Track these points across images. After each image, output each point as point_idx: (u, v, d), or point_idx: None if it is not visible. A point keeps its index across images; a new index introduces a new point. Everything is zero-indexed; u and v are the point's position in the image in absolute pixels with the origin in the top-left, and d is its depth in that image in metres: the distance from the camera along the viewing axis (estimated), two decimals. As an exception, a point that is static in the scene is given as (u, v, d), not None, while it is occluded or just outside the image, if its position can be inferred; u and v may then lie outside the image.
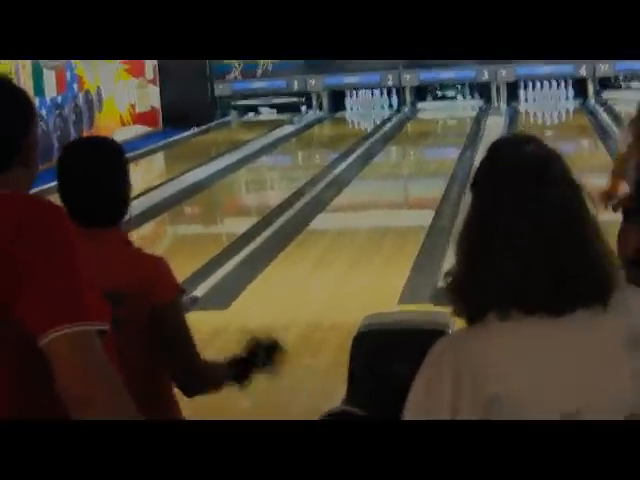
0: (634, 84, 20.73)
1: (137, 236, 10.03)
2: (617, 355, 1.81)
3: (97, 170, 2.73)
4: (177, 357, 2.78)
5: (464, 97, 21.32)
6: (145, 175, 15.78)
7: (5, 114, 1.89)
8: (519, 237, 1.81)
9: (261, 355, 2.99)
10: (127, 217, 2.81)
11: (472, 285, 1.84)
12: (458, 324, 2.01)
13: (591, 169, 12.71)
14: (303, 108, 21.20)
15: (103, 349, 1.73)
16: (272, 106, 21.33)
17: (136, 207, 11.28)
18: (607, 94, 20.31)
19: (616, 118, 17.56)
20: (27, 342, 1.74)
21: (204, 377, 2.86)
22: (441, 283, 5.94)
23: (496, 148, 1.91)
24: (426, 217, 10.14)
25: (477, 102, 20.92)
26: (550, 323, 1.81)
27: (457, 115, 20.19)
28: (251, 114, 21.37)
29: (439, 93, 21.33)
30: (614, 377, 1.81)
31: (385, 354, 3.27)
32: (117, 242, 2.77)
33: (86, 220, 2.68)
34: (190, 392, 2.85)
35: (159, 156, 17.30)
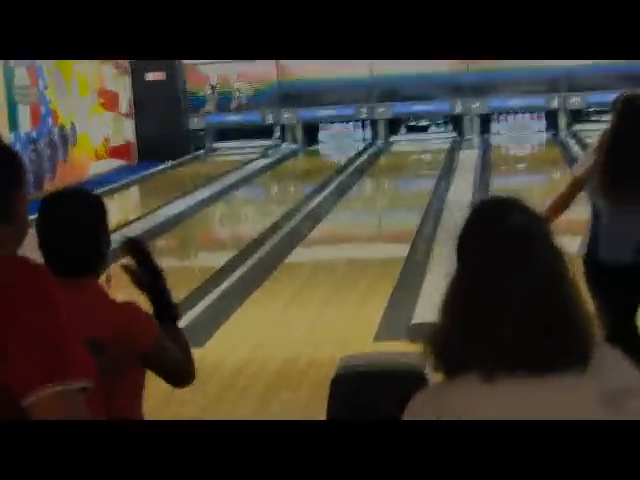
0: (605, 117, 20.92)
1: (112, 272, 10.04)
2: (595, 413, 1.85)
3: (77, 222, 2.78)
4: (176, 379, 2.97)
5: (437, 126, 21.45)
6: (120, 209, 15.78)
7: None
8: (504, 301, 1.87)
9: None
10: (105, 269, 2.85)
11: (455, 343, 1.89)
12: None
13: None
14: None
15: (85, 404, 1.77)
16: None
17: (113, 242, 11.33)
18: (578, 126, 20.49)
19: (586, 149, 17.74)
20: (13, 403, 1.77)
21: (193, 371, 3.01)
22: (416, 320, 5.98)
23: (482, 213, 1.98)
24: (401, 250, 10.19)
25: (450, 134, 21.07)
26: (531, 383, 1.86)
27: (430, 148, 20.32)
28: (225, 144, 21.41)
29: (413, 123, 21.44)
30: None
31: (363, 396, 3.30)
32: (94, 292, 2.81)
33: (65, 270, 2.72)
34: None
35: (134, 190, 17.32)
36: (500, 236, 1.92)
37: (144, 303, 2.95)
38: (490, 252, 1.91)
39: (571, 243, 5.86)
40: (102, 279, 2.92)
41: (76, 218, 2.79)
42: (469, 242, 1.95)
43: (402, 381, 3.16)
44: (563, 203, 5.38)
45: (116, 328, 2.75)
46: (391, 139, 21.15)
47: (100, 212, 2.84)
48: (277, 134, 21.50)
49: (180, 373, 2.96)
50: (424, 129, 21.49)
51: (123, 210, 15.92)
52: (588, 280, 5.06)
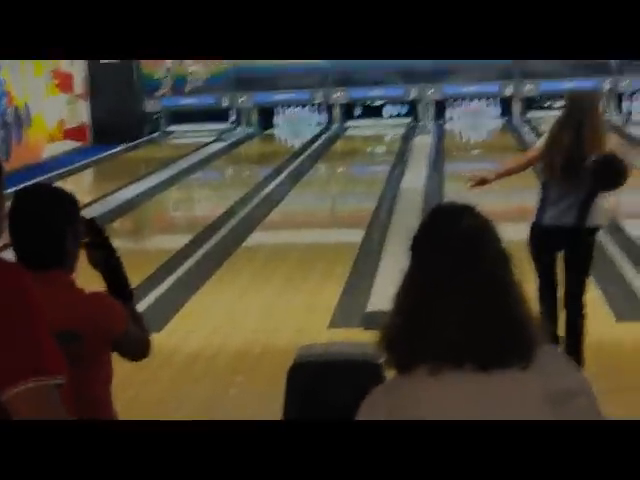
0: (558, 104, 21.13)
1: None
2: (538, 410, 1.97)
3: (43, 217, 2.86)
4: (138, 356, 3.11)
5: (393, 106, 21.50)
6: (74, 192, 15.70)
7: None
8: (453, 300, 1.99)
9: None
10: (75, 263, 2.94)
11: (406, 339, 2.01)
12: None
13: (513, 187, 13.02)
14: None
15: (60, 401, 1.84)
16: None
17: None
18: (532, 113, 20.68)
19: (540, 136, 17.92)
20: None
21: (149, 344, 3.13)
22: (370, 308, 6.06)
23: (436, 217, 2.10)
24: (356, 236, 10.28)
25: (405, 119, 21.17)
26: (477, 378, 1.98)
27: (385, 133, 20.42)
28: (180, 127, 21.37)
29: (367, 103, 21.45)
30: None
31: (320, 386, 3.37)
32: (64, 285, 2.89)
33: (34, 263, 2.79)
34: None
35: (88, 173, 17.25)
36: (450, 239, 2.04)
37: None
38: (440, 253, 2.03)
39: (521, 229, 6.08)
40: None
41: (42, 213, 2.86)
42: (422, 243, 2.06)
43: (359, 372, 3.24)
44: (510, 171, 6.50)
45: (89, 318, 2.84)
46: (346, 124, 21.22)
47: (67, 208, 2.91)
48: (232, 117, 21.49)
49: (142, 349, 3.09)
50: (378, 110, 21.49)
51: (77, 193, 15.82)
52: (532, 242, 5.97)
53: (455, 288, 2.00)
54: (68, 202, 2.93)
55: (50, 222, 2.86)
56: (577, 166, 5.78)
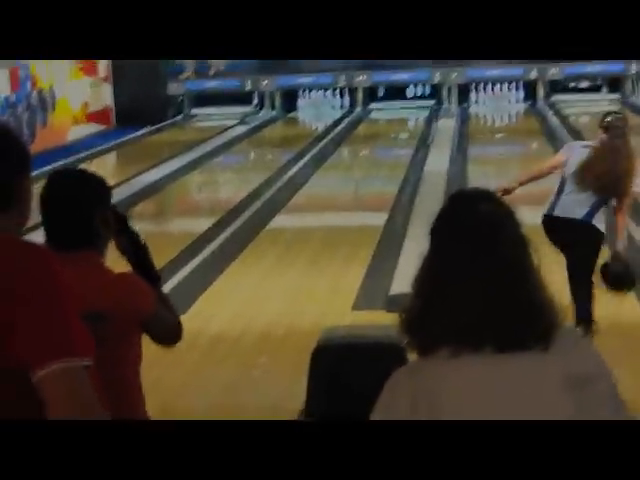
0: (582, 84, 21.05)
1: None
2: (557, 393, 1.99)
3: (74, 199, 2.92)
4: (168, 340, 3.13)
5: (416, 94, 21.46)
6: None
7: (4, 160, 2.00)
8: (472, 284, 2.01)
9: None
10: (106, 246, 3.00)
11: (427, 322, 2.03)
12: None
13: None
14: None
15: (88, 382, 1.87)
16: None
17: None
18: (556, 97, 20.59)
19: (564, 120, 17.84)
20: (21, 375, 1.86)
21: (180, 329, 3.14)
22: (393, 291, 6.10)
23: (455, 202, 2.12)
24: (380, 219, 10.29)
25: (428, 101, 21.12)
26: (497, 360, 2.00)
27: (408, 116, 20.38)
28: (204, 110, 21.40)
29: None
30: (555, 413, 1.98)
31: (343, 368, 3.39)
32: (93, 265, 2.94)
33: (64, 244, 2.85)
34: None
35: (112, 156, 17.31)
36: (469, 223, 2.05)
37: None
38: (459, 238, 2.05)
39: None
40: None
41: (72, 195, 2.93)
42: (441, 228, 2.08)
43: (382, 354, 3.25)
44: (533, 178, 6.69)
45: (117, 298, 2.88)
46: (370, 106, 21.19)
47: (97, 190, 2.97)
48: (255, 101, 21.50)
49: (173, 333, 3.11)
50: (402, 91, 21.41)
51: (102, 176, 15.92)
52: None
53: (473, 272, 2.01)
54: (98, 185, 2.99)
55: (79, 203, 2.92)
56: (610, 189, 6.15)
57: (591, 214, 6.14)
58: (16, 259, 1.91)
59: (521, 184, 6.55)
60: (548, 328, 2.02)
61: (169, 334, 3.12)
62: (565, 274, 6.11)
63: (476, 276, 2.01)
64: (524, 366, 2.00)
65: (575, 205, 6.17)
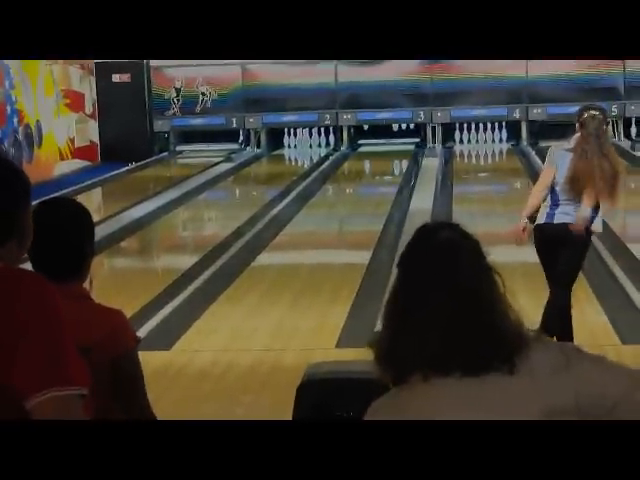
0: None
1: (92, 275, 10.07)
2: (528, 415, 2.01)
3: (63, 229, 2.92)
4: (130, 406, 2.93)
5: (399, 128, 21.55)
6: (84, 211, 15.76)
7: (6, 191, 2.04)
8: (436, 311, 2.05)
9: None
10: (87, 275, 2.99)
11: (395, 353, 2.07)
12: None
13: (519, 210, 13.05)
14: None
15: (83, 411, 1.89)
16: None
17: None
18: (542, 142, 20.72)
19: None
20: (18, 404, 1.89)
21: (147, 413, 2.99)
22: (378, 328, 6.08)
23: (418, 233, 2.17)
24: (364, 257, 10.32)
25: (414, 139, 21.23)
26: (466, 383, 2.04)
27: (393, 155, 20.47)
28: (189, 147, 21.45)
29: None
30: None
31: (329, 404, 3.41)
32: (79, 297, 2.92)
33: (53, 275, 2.82)
34: None
35: (97, 191, 17.33)
36: (428, 250, 2.11)
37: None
38: (420, 266, 2.10)
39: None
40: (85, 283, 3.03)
41: (64, 225, 2.93)
42: (405, 258, 2.14)
43: (368, 389, 3.27)
44: (536, 206, 6.54)
45: (98, 332, 2.85)
46: (354, 146, 21.30)
47: (85, 222, 2.99)
48: (241, 138, 21.58)
49: (141, 407, 2.96)
50: (388, 129, 21.52)
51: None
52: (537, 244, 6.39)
53: (435, 299, 2.05)
54: (87, 215, 2.99)
55: (71, 234, 2.93)
56: (604, 194, 6.26)
57: (592, 219, 6.28)
58: (14, 288, 1.94)
59: (529, 217, 6.59)
60: (513, 350, 2.05)
61: (135, 397, 2.95)
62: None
63: (438, 303, 2.05)
64: (493, 388, 2.03)
65: (573, 212, 6.27)
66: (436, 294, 2.06)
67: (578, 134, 6.41)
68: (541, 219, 6.40)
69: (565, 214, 6.33)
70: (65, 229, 2.92)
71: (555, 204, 6.37)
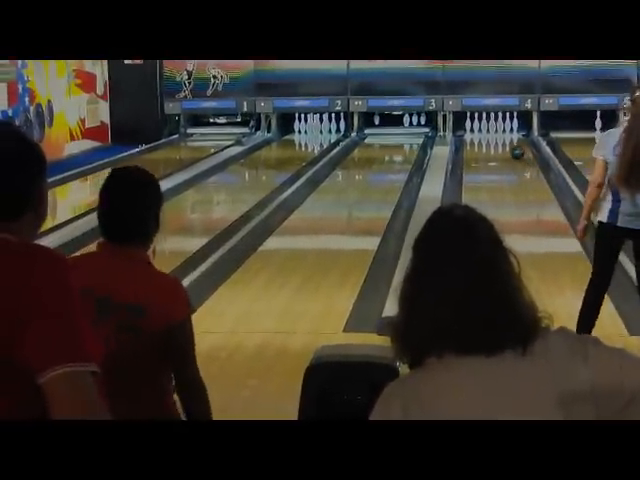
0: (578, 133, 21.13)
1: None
2: (545, 401, 2.02)
3: (144, 197, 3.15)
4: (184, 369, 3.16)
5: (411, 119, 21.54)
6: (93, 191, 15.81)
7: (21, 165, 2.05)
8: (452, 287, 2.05)
9: None
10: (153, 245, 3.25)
11: (411, 332, 2.07)
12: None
13: (529, 202, 13.05)
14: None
15: (95, 387, 1.90)
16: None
17: (83, 225, 11.34)
18: (553, 133, 20.66)
19: (556, 151, 17.92)
20: (27, 378, 1.90)
21: (204, 393, 3.27)
22: (386, 314, 6.12)
23: (433, 214, 2.17)
24: (372, 243, 10.32)
25: (424, 129, 21.21)
26: (481, 362, 2.04)
27: (403, 142, 20.46)
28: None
29: (386, 112, 21.50)
30: (540, 414, 2.01)
31: (337, 387, 3.42)
32: (140, 260, 3.10)
33: (122, 238, 3.05)
34: (192, 405, 3.22)
35: (107, 172, 17.28)
36: (443, 228, 2.12)
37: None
38: (434, 244, 2.10)
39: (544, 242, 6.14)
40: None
41: (137, 193, 3.14)
42: (420, 240, 2.14)
43: (376, 373, 3.28)
44: (595, 201, 6.37)
45: (157, 295, 3.04)
46: (365, 131, 21.27)
47: (158, 192, 3.21)
48: (252, 122, 21.57)
49: (194, 371, 3.17)
50: (399, 119, 21.52)
51: (96, 192, 15.92)
52: (601, 241, 6.27)
53: (450, 277, 2.05)
54: (157, 186, 3.21)
55: (142, 202, 3.13)
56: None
57: None
58: (28, 264, 1.95)
59: (587, 218, 6.46)
60: (529, 330, 2.05)
61: (191, 367, 3.16)
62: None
63: (454, 279, 2.05)
64: (508, 366, 2.03)
65: (637, 213, 6.10)
66: (453, 270, 2.06)
67: (624, 119, 6.32)
68: (603, 216, 6.22)
69: (628, 216, 6.13)
70: (138, 195, 3.12)
71: (616, 200, 6.15)
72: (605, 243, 6.23)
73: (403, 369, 2.20)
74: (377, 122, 21.52)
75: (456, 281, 2.05)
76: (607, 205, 6.17)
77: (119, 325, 2.98)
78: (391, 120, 21.46)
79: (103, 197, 3.15)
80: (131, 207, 3.09)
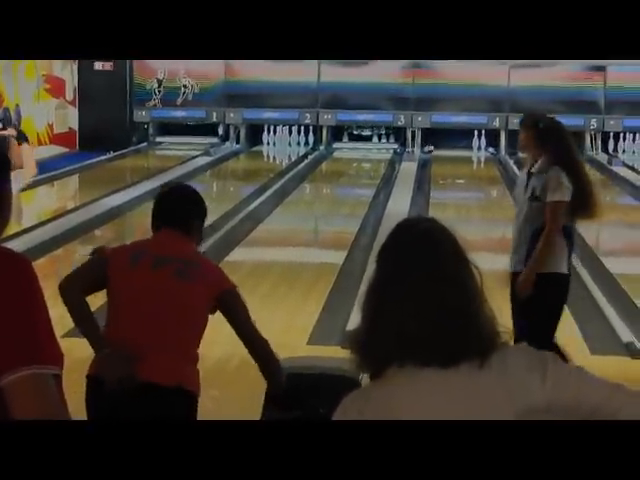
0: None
1: (48, 260, 10.05)
2: (499, 413, 2.04)
3: (196, 200, 3.95)
4: (253, 330, 4.09)
5: (379, 139, 21.64)
6: (59, 198, 15.75)
7: None
8: (414, 297, 2.07)
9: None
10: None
11: (373, 343, 2.08)
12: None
13: (495, 220, 13.11)
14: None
15: (57, 391, 1.90)
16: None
17: (49, 231, 11.26)
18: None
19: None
20: None
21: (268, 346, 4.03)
22: (350, 327, 6.14)
23: (398, 225, 2.19)
24: (339, 257, 10.34)
25: (392, 145, 21.26)
26: (440, 374, 2.05)
27: (372, 157, 20.51)
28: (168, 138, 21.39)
29: (355, 132, 21.61)
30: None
31: (297, 399, 3.42)
32: (193, 250, 3.92)
33: (183, 229, 3.83)
34: (270, 355, 3.99)
35: (74, 179, 17.27)
36: (407, 239, 2.13)
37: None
38: (398, 255, 2.12)
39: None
40: None
41: (195, 199, 3.94)
42: (383, 251, 2.16)
43: (337, 385, 3.29)
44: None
45: (209, 263, 3.95)
46: (334, 146, 21.31)
47: (204, 207, 3.96)
48: (220, 133, 21.54)
49: (250, 321, 4.02)
50: (367, 138, 21.64)
51: (62, 198, 15.88)
52: (558, 295, 5.73)
53: (412, 288, 2.07)
54: (203, 203, 3.96)
55: (198, 207, 3.93)
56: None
57: None
58: None
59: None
60: (488, 344, 2.07)
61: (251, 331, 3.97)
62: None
63: (416, 289, 2.07)
64: (465, 381, 2.05)
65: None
66: (415, 281, 2.07)
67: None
68: (566, 268, 5.75)
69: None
70: (196, 202, 3.92)
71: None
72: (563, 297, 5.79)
73: (365, 382, 2.21)
74: (345, 139, 21.58)
75: (418, 292, 2.06)
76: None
77: (178, 271, 3.67)
78: (360, 139, 21.53)
79: (161, 201, 3.90)
80: (188, 205, 3.88)
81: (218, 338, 7.43)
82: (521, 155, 5.95)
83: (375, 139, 21.62)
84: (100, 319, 3.85)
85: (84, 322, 3.63)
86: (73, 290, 3.64)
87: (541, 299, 5.63)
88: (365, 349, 2.10)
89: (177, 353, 3.71)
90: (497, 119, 20.80)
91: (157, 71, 21.20)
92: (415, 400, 2.04)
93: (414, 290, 2.06)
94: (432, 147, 20.92)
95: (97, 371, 3.55)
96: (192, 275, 3.70)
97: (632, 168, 18.41)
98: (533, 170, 5.76)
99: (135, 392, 3.46)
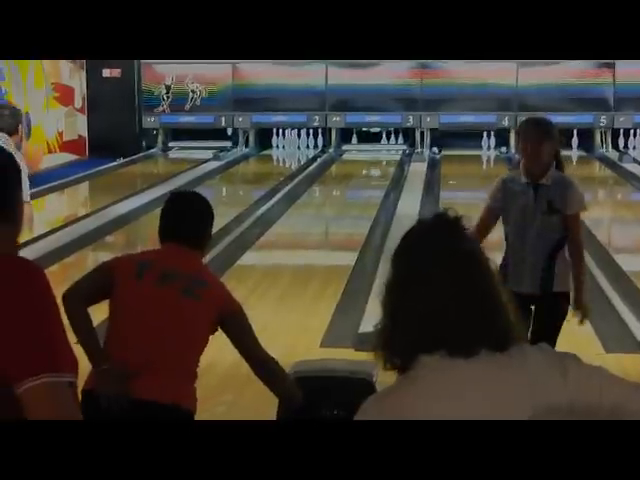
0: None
1: (60, 267, 10.06)
2: (518, 408, 2.03)
3: (202, 212, 3.93)
4: (259, 350, 3.99)
5: (388, 138, 21.62)
6: (70, 205, 15.77)
7: (6, 174, 2.04)
8: (433, 296, 2.07)
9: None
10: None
11: (398, 338, 2.09)
12: (381, 374, 2.20)
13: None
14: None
15: (72, 398, 1.90)
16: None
17: (60, 239, 11.28)
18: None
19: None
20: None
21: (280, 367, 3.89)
22: (363, 329, 6.12)
23: (415, 225, 2.20)
24: (349, 259, 10.33)
25: (401, 146, 21.25)
26: (462, 367, 2.05)
27: (381, 158, 20.50)
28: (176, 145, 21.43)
29: (365, 129, 21.57)
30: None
31: (312, 402, 3.41)
32: (200, 261, 3.92)
33: (190, 242, 3.81)
34: (279, 377, 3.89)
35: (84, 186, 17.30)
36: (425, 235, 2.14)
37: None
38: (416, 250, 2.12)
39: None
40: None
41: (202, 210, 3.93)
42: (400, 249, 2.16)
43: (352, 388, 3.28)
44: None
45: (215, 280, 3.91)
46: (343, 148, 21.30)
47: (212, 215, 3.97)
48: (229, 136, 21.55)
49: (261, 349, 3.91)
50: (376, 137, 21.61)
51: (73, 205, 15.90)
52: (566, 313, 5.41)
53: (430, 279, 2.07)
54: (212, 210, 3.96)
55: (203, 217, 3.91)
56: None
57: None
58: (8, 274, 1.94)
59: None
60: (508, 339, 2.07)
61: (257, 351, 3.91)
62: None
63: (438, 284, 2.07)
64: (488, 377, 2.04)
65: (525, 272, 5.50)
66: (430, 274, 2.07)
67: None
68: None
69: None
70: (202, 212, 3.91)
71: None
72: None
73: (379, 384, 2.20)
74: (355, 141, 21.57)
75: (440, 287, 2.07)
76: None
77: (184, 289, 3.66)
78: (369, 138, 21.51)
79: (169, 210, 3.88)
80: (195, 217, 3.88)
81: (229, 343, 7.45)
82: (520, 165, 5.52)
83: (384, 137, 21.58)
84: (101, 333, 3.85)
85: (84, 334, 3.59)
86: (75, 301, 3.61)
87: (559, 318, 5.38)
88: (390, 345, 2.10)
89: (176, 371, 3.67)
90: (506, 118, 20.76)
91: (165, 77, 21.23)
92: (440, 390, 2.04)
93: (430, 284, 2.07)
94: (438, 150, 20.87)
95: (93, 386, 3.53)
96: (198, 294, 3.71)
97: (643, 165, 18.36)
98: (543, 181, 5.40)
99: (130, 409, 3.44)
